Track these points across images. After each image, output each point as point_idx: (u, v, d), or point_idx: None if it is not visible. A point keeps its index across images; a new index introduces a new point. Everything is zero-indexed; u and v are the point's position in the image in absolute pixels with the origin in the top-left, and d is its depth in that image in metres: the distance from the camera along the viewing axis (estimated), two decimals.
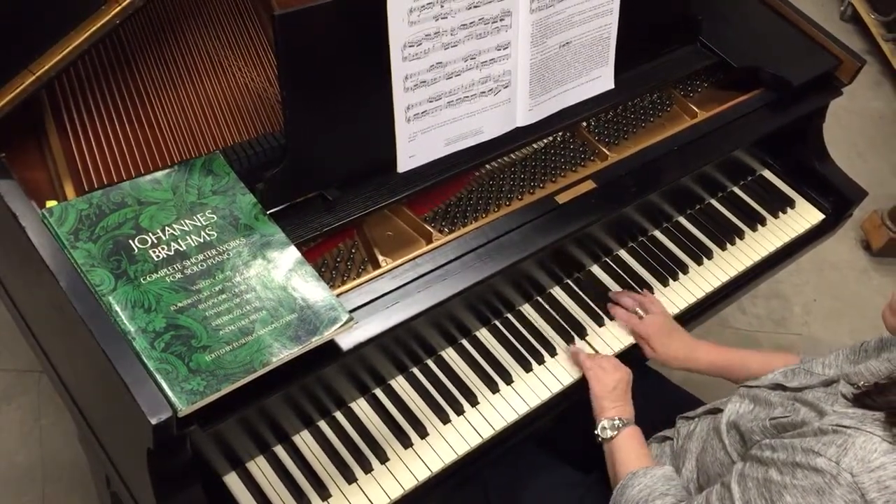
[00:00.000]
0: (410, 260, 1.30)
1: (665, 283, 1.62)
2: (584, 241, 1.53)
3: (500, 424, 1.36)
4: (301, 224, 1.28)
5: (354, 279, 1.27)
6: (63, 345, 1.25)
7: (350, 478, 1.26)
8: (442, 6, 1.31)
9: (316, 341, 1.09)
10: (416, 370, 1.38)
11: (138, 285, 1.09)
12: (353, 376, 1.30)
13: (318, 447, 1.28)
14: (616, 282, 1.59)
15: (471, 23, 1.35)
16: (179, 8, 1.47)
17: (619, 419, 1.35)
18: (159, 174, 1.22)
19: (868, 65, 1.99)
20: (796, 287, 2.72)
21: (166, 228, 1.16)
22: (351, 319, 1.12)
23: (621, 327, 1.53)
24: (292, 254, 1.17)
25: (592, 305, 1.54)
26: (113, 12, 1.18)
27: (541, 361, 1.45)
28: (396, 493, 1.26)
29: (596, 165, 1.55)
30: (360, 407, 1.33)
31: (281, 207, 1.28)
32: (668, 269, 1.63)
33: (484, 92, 1.42)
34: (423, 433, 1.32)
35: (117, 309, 1.06)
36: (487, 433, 1.35)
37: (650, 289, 1.60)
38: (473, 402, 1.37)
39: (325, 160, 1.32)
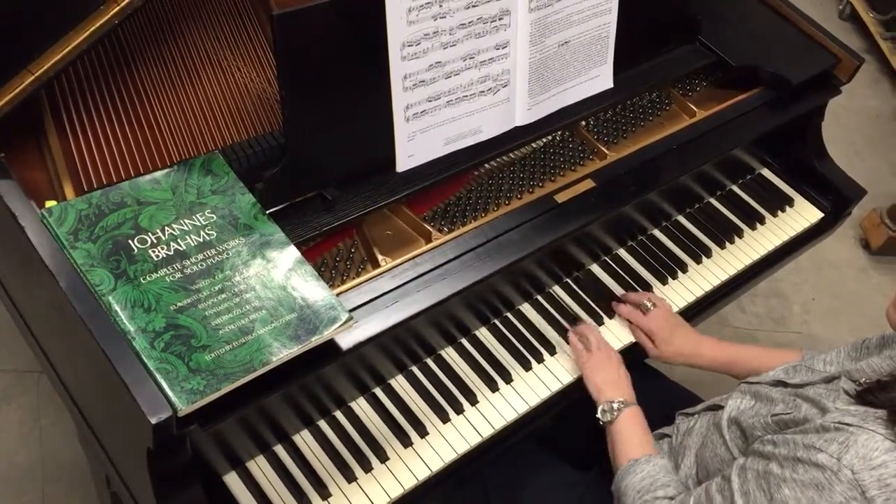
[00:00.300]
0: (410, 259, 1.30)
1: (664, 282, 1.62)
2: (584, 241, 1.53)
3: (499, 423, 1.36)
4: (300, 223, 1.29)
5: (354, 278, 1.27)
6: (63, 345, 1.25)
7: (350, 477, 1.26)
8: (440, 6, 1.31)
9: (316, 341, 1.09)
10: (415, 369, 1.39)
11: (138, 285, 1.09)
12: (352, 376, 1.30)
13: (318, 446, 1.28)
14: (615, 281, 1.59)
15: (469, 22, 1.35)
16: (178, 8, 1.47)
17: (618, 401, 1.35)
18: (158, 174, 1.22)
19: (866, 63, 1.98)
20: (795, 286, 2.72)
21: (166, 228, 1.16)
22: (350, 319, 1.13)
23: (622, 326, 1.53)
24: (292, 253, 1.17)
25: (592, 304, 1.54)
26: (112, 12, 1.18)
27: (540, 360, 1.45)
28: (396, 492, 1.26)
29: (595, 164, 1.55)
30: (360, 406, 1.33)
31: (280, 207, 1.28)
32: (668, 268, 1.63)
33: (483, 91, 1.42)
34: (422, 432, 1.32)
35: (117, 309, 1.06)
36: (487, 432, 1.35)
37: (650, 288, 1.60)
38: (473, 401, 1.37)
39: (325, 160, 1.32)
